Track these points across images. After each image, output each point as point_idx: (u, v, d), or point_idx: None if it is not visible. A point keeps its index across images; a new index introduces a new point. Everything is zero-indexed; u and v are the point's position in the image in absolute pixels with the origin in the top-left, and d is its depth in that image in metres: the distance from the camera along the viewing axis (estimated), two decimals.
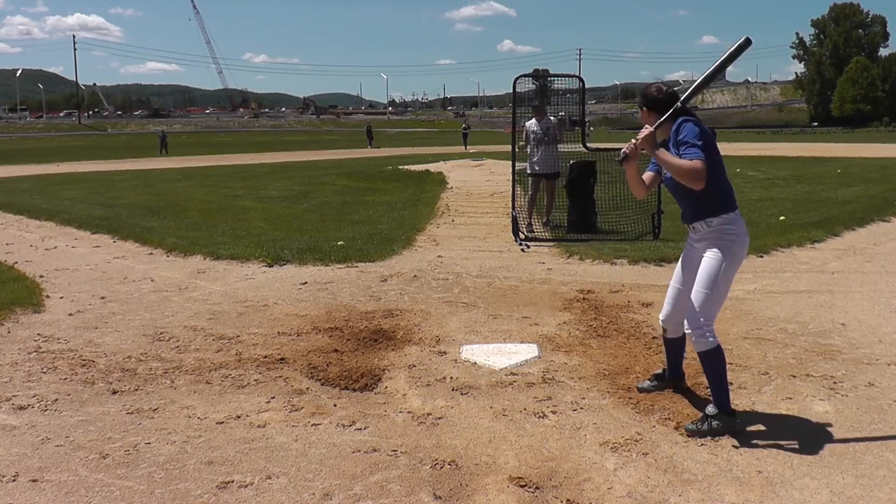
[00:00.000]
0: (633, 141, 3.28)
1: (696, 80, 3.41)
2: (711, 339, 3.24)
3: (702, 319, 3.25)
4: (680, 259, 3.60)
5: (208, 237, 8.71)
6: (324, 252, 7.52)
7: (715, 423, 3.20)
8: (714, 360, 3.26)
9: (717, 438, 3.15)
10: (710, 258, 3.31)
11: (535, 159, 9.19)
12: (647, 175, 3.52)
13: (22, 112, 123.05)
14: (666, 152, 3.22)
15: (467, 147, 39.05)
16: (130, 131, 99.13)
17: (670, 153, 3.20)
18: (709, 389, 3.36)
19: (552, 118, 9.29)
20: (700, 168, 3.11)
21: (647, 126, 3.29)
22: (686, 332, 3.32)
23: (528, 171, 9.34)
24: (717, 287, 3.27)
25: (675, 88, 3.46)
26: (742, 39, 3.21)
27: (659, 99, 3.36)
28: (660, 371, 3.80)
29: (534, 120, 9.20)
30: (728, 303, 5.47)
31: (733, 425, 3.23)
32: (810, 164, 21.70)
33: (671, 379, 3.75)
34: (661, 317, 3.66)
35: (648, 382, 3.78)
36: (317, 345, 4.57)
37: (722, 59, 3.25)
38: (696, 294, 3.29)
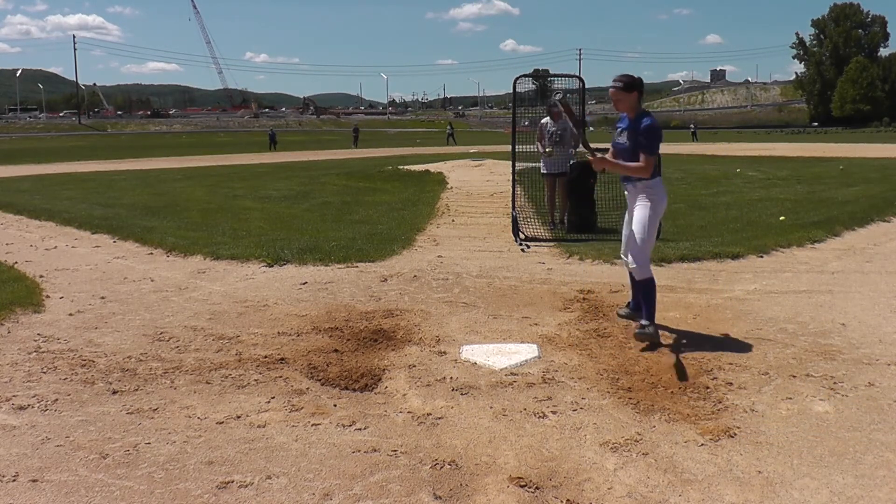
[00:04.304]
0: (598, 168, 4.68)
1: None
2: (646, 272, 4.47)
3: (638, 259, 4.47)
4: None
5: (208, 237, 8.71)
6: (324, 252, 7.52)
7: (651, 328, 4.40)
8: (647, 287, 4.48)
9: (717, 439, 3.15)
10: (638, 214, 4.49)
11: (548, 159, 9.07)
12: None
13: (32, 112, 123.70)
14: (617, 163, 4.50)
15: (449, 143, 46.10)
16: (130, 131, 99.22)
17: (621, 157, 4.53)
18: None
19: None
20: (644, 166, 4.37)
21: (603, 158, 4.62)
22: (629, 266, 4.56)
23: (542, 171, 9.32)
24: (645, 234, 4.46)
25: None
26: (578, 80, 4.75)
27: (636, 81, 4.49)
28: (631, 304, 4.90)
29: (548, 119, 9.07)
30: (728, 303, 5.49)
31: (657, 331, 4.47)
32: (810, 164, 21.70)
33: (636, 310, 4.75)
34: (622, 253, 4.81)
35: (625, 310, 4.94)
36: (317, 345, 4.57)
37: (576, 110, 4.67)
38: (633, 243, 4.51)
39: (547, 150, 9.02)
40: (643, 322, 4.46)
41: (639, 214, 4.48)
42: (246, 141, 64.37)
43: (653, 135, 4.36)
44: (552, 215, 9.30)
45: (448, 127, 55.30)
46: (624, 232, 4.72)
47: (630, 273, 4.69)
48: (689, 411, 3.45)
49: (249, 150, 42.58)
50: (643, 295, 4.51)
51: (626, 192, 4.71)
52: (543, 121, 9.15)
